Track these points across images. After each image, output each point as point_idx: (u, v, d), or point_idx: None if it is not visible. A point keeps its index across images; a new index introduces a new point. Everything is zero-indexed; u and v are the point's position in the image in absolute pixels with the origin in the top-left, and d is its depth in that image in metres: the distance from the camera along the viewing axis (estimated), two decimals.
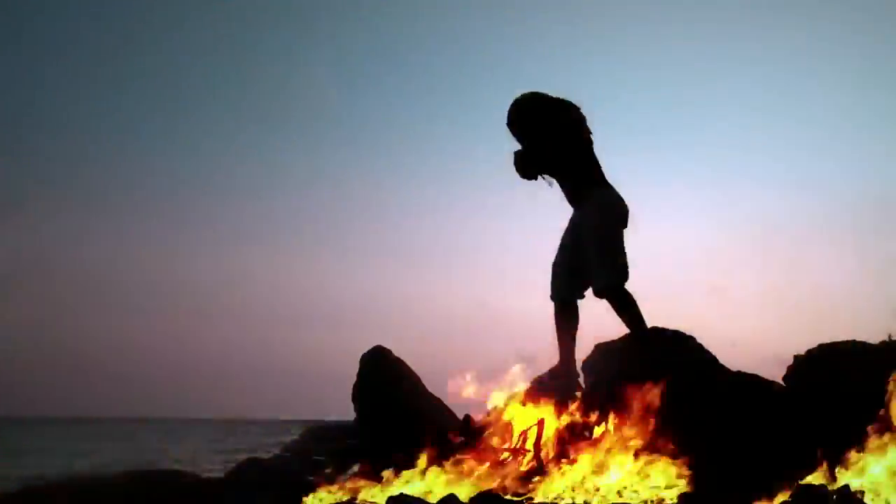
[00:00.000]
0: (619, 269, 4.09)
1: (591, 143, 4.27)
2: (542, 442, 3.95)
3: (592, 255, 4.10)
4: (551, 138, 4.21)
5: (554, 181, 4.33)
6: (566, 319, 4.27)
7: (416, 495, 3.52)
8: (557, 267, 4.29)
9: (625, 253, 4.13)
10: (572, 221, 4.31)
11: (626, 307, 4.08)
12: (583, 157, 4.24)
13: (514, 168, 4.28)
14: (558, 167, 4.27)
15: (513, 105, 4.27)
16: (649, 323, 4.18)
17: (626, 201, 4.26)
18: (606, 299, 4.12)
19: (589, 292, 4.20)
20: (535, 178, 4.30)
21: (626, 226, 4.18)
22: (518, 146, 4.31)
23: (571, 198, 4.30)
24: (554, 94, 4.32)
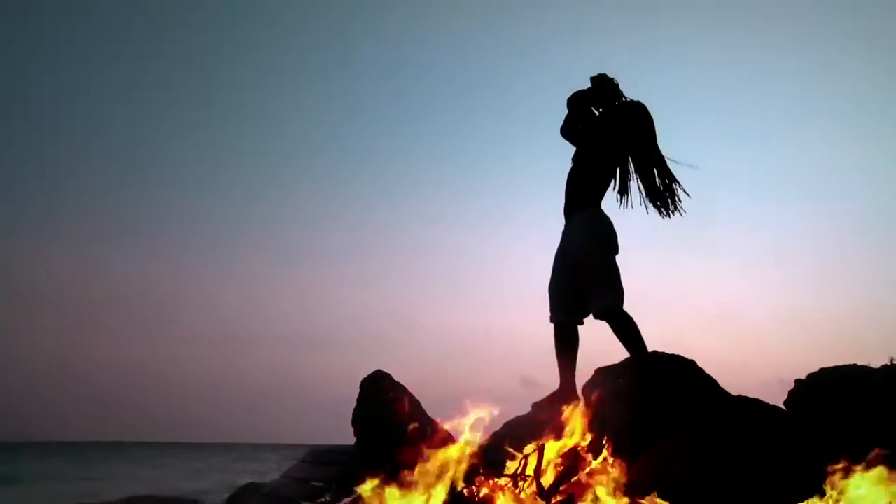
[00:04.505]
0: (617, 291, 4.09)
1: (623, 167, 4.34)
2: (542, 468, 3.92)
3: (588, 281, 4.11)
4: (609, 130, 4.29)
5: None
6: (566, 342, 4.26)
7: None
8: (553, 290, 4.30)
9: (619, 274, 4.14)
10: (562, 242, 4.33)
11: (625, 329, 4.07)
12: (605, 168, 4.29)
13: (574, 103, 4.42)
14: (586, 156, 4.33)
15: (609, 80, 4.36)
16: (652, 346, 4.17)
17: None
18: (607, 322, 4.12)
19: (589, 317, 4.21)
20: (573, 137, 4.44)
21: (616, 252, 4.19)
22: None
23: (566, 203, 4.33)
24: None
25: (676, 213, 4.34)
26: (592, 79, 4.40)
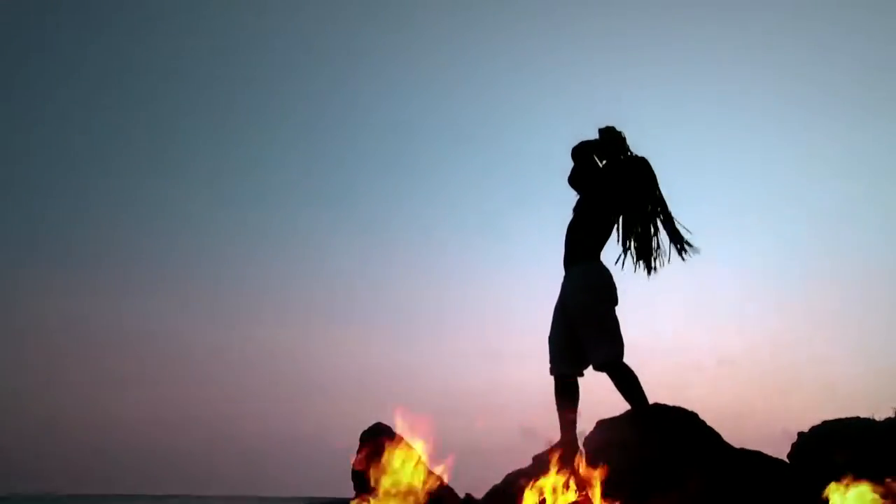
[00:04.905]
0: (617, 343, 4.09)
1: (624, 221, 4.40)
2: None
3: (587, 334, 4.11)
4: (610, 181, 4.33)
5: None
6: (567, 394, 4.24)
7: None
8: (553, 342, 4.30)
9: (619, 326, 4.14)
10: (561, 294, 4.34)
11: (626, 381, 4.05)
12: (605, 221, 4.32)
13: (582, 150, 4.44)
14: (586, 208, 4.36)
15: (617, 133, 4.42)
16: (653, 398, 4.15)
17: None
18: (607, 373, 4.11)
19: (589, 369, 4.20)
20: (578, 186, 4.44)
21: (616, 304, 4.20)
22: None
23: (565, 254, 4.35)
24: None
25: (691, 259, 4.35)
26: (601, 130, 4.44)
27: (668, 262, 4.38)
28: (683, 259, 4.34)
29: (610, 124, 4.47)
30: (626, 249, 4.43)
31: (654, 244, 4.39)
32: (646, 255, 4.39)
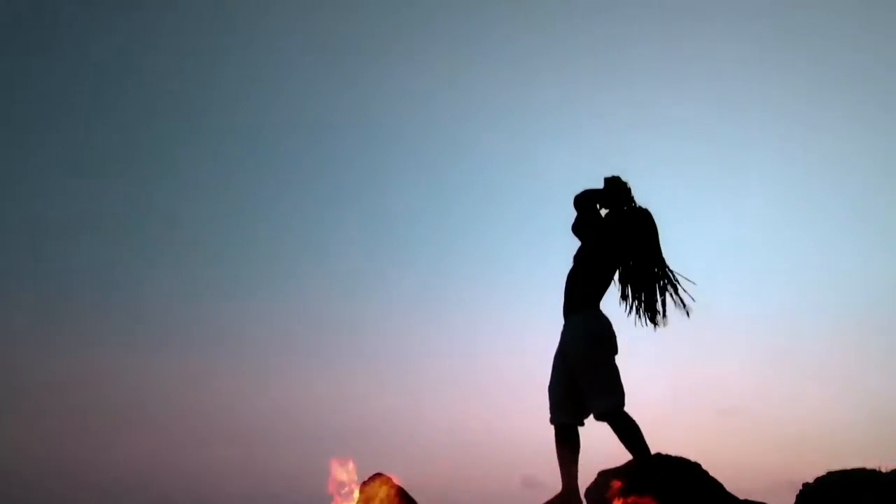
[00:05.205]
0: (617, 392, 4.07)
1: (623, 272, 4.41)
2: None
3: (587, 384, 4.09)
4: (609, 230, 4.35)
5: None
6: (567, 444, 4.20)
7: None
8: (552, 391, 4.28)
9: (619, 375, 4.12)
10: (560, 343, 4.33)
11: (627, 431, 4.02)
12: (604, 270, 4.33)
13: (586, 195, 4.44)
14: (586, 257, 4.37)
15: (622, 183, 4.43)
16: (654, 448, 4.11)
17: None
18: (608, 423, 4.08)
19: (589, 419, 4.17)
20: (579, 232, 4.43)
21: (616, 353, 4.19)
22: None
23: (565, 302, 4.35)
24: None
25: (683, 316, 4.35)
26: (606, 179, 4.46)
27: (670, 314, 4.37)
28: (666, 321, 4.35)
29: (616, 173, 4.50)
30: (625, 301, 4.43)
31: (656, 297, 4.38)
32: (650, 309, 4.38)
